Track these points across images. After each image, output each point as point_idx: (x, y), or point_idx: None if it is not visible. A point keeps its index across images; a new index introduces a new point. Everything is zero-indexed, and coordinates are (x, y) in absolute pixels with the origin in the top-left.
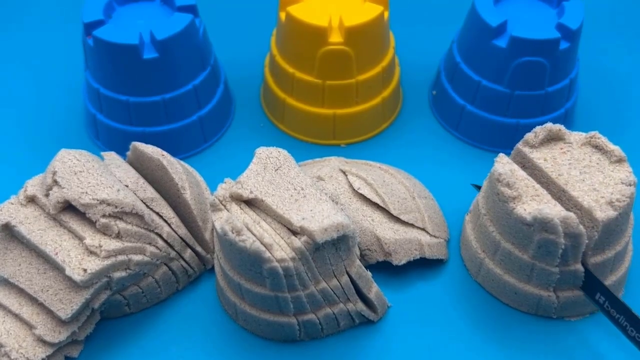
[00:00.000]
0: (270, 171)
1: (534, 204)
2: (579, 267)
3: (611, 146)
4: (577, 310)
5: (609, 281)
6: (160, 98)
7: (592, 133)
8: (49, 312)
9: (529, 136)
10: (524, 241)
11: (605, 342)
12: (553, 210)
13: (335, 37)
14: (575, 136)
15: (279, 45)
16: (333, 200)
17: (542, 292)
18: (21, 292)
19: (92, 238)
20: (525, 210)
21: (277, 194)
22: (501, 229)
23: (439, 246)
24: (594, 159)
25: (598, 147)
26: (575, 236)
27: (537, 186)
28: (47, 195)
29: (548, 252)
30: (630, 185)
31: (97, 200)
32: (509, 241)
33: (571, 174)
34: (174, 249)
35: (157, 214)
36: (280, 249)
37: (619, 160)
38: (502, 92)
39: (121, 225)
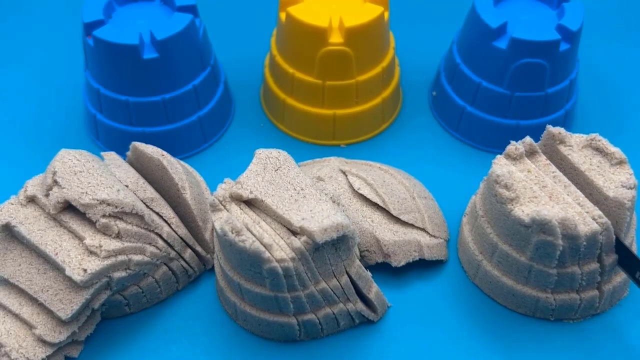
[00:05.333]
0: (270, 171)
1: (532, 205)
2: (577, 269)
3: (612, 148)
4: (575, 313)
5: (614, 282)
6: (160, 98)
7: (593, 135)
8: (49, 312)
9: (510, 149)
10: (522, 243)
11: (603, 345)
12: (551, 211)
13: (335, 38)
14: (576, 138)
15: (279, 45)
16: (333, 201)
17: (540, 294)
18: (21, 292)
19: (92, 238)
20: (523, 211)
21: (277, 194)
22: (499, 230)
23: (438, 247)
24: (595, 162)
25: (599, 150)
26: (573, 238)
27: (535, 188)
28: (47, 195)
29: (546, 253)
30: (631, 188)
31: (97, 200)
32: (507, 243)
33: (555, 185)
34: (174, 249)
35: (157, 214)
36: (280, 249)
37: (620, 163)
38: (502, 93)
39: (121, 225)
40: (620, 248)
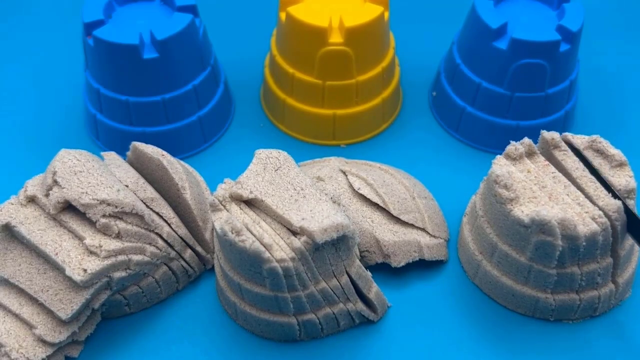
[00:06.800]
0: (270, 171)
1: (532, 205)
2: (576, 269)
3: (612, 150)
4: (574, 313)
5: (619, 281)
6: (160, 98)
7: (594, 137)
8: (49, 312)
9: (510, 149)
10: (521, 243)
11: (603, 346)
12: (550, 212)
13: (336, 38)
14: (577, 139)
15: (279, 45)
16: (334, 201)
17: (540, 294)
18: (21, 292)
19: (92, 238)
20: (522, 212)
21: (277, 194)
22: (498, 230)
23: (438, 247)
24: (595, 164)
25: (599, 151)
26: (572, 238)
27: (535, 188)
28: (47, 195)
29: (545, 254)
30: (626, 195)
31: (97, 200)
32: (507, 243)
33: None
34: (174, 249)
35: (157, 214)
36: (280, 249)
37: (620, 165)
38: (502, 93)
39: (121, 225)
40: (629, 214)
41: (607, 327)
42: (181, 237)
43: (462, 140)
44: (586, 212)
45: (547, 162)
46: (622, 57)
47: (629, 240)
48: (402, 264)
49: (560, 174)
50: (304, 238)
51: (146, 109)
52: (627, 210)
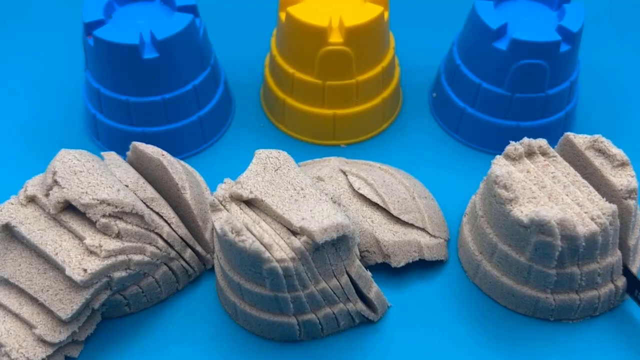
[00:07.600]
0: (270, 171)
1: (531, 206)
2: (576, 269)
3: (614, 150)
4: (574, 313)
5: (620, 282)
6: (160, 98)
7: (596, 137)
8: (49, 312)
9: (509, 149)
10: (521, 243)
11: (603, 346)
12: (550, 212)
13: (335, 38)
14: (579, 139)
15: (279, 45)
16: (334, 201)
17: (540, 294)
18: (21, 292)
19: (92, 238)
20: (522, 212)
21: (277, 194)
22: (498, 230)
23: (438, 247)
24: (597, 164)
25: (601, 151)
26: (571, 238)
27: (534, 188)
28: (47, 195)
29: (545, 254)
30: (627, 196)
31: (97, 200)
32: (506, 243)
33: (554, 187)
34: (174, 249)
35: (157, 214)
36: (280, 249)
37: (622, 165)
38: (503, 94)
39: (121, 225)
40: (629, 276)
41: (607, 327)
42: (181, 237)
43: (462, 141)
44: (586, 213)
45: (546, 162)
46: (622, 58)
47: (632, 240)
48: (402, 264)
49: (560, 174)
50: (304, 238)
51: (146, 109)
52: (627, 272)
